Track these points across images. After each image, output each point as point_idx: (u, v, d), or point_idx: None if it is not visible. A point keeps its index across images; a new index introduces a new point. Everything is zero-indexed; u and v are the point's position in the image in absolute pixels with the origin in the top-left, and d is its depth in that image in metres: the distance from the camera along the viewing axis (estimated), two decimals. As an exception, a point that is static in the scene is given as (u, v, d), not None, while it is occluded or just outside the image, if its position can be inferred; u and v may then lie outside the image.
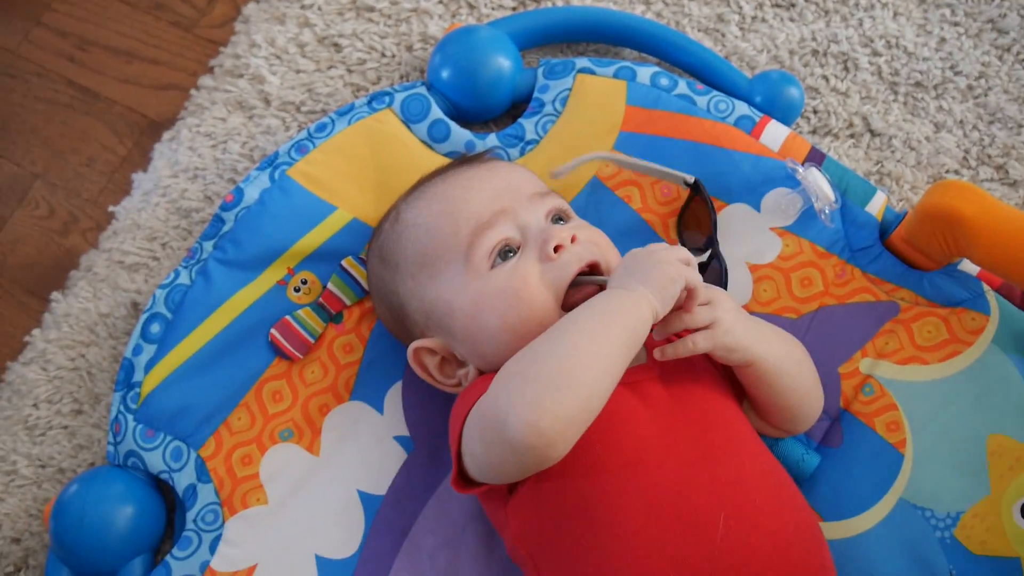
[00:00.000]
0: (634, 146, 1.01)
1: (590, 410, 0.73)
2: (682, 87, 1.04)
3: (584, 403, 0.72)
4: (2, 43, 1.28)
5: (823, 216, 0.97)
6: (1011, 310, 0.94)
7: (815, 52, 1.14)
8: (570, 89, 1.05)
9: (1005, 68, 1.13)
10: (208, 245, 1.02)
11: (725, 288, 0.94)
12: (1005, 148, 1.10)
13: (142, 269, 1.09)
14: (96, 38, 1.26)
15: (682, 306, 0.80)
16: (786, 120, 1.06)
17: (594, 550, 0.77)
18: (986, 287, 0.95)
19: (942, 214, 0.88)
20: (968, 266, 0.97)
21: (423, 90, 1.06)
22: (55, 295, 1.11)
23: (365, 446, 0.98)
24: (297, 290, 1.01)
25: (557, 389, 0.71)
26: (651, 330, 0.78)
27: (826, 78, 1.13)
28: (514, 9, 1.16)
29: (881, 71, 1.13)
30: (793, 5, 1.16)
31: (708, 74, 1.09)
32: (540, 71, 1.07)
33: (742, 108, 1.03)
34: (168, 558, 0.95)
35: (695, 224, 0.99)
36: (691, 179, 0.97)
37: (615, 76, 1.05)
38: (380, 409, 0.99)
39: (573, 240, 0.86)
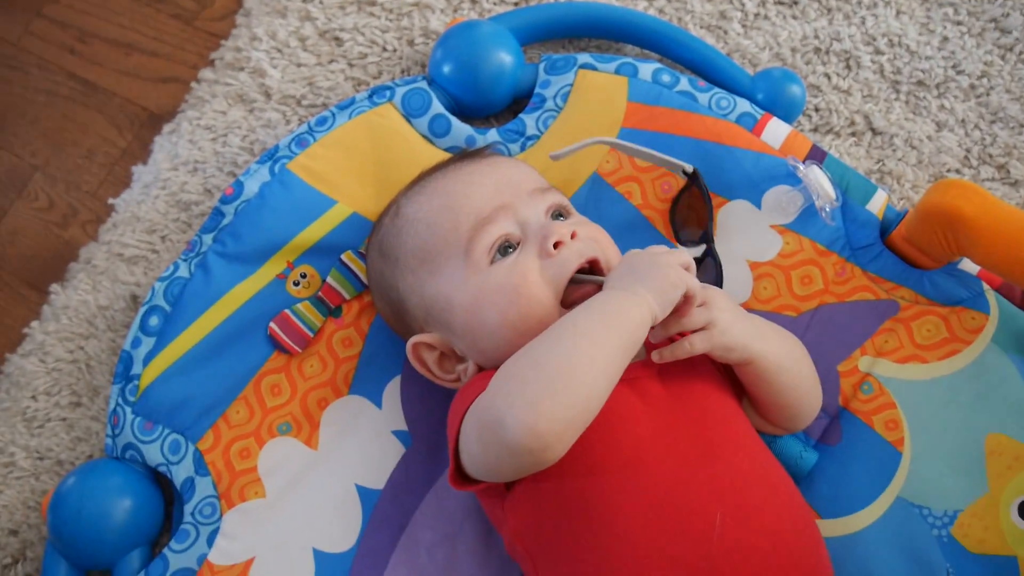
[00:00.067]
0: (635, 142, 1.01)
1: (588, 413, 0.73)
2: (684, 84, 1.04)
3: (582, 406, 0.72)
4: (3, 34, 1.28)
5: (824, 214, 0.97)
6: (1011, 309, 0.95)
7: (817, 50, 1.14)
8: (571, 85, 1.05)
9: (1007, 68, 1.13)
10: (208, 238, 1.02)
11: (720, 283, 0.94)
12: (1007, 148, 1.09)
13: (141, 262, 1.09)
14: (97, 30, 1.26)
15: (678, 310, 0.80)
16: (788, 118, 1.06)
17: (592, 548, 0.77)
18: (986, 286, 0.95)
19: (943, 213, 0.88)
20: (968, 265, 0.97)
21: (424, 85, 1.06)
22: (54, 287, 1.11)
23: (364, 440, 0.98)
24: (296, 284, 1.01)
25: (555, 392, 0.71)
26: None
27: (828, 76, 1.13)
28: (516, 4, 1.16)
29: (883, 69, 1.13)
30: (796, 3, 1.16)
31: (710, 71, 1.09)
32: (541, 66, 1.07)
33: (744, 105, 1.03)
34: (166, 551, 0.95)
35: (691, 216, 0.99)
36: (689, 168, 0.97)
37: (617, 72, 1.05)
38: (379, 403, 0.99)
39: (573, 236, 0.85)
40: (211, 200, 1.10)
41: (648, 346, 0.85)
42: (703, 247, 0.95)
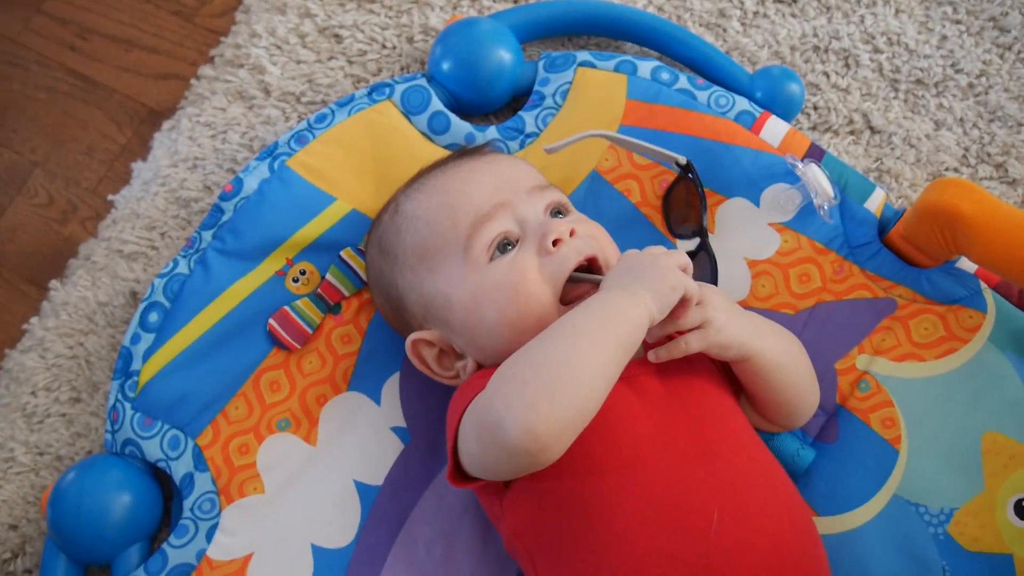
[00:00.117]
0: (634, 140, 1.02)
1: (586, 414, 0.73)
2: (683, 82, 1.04)
3: (580, 407, 0.72)
4: (2, 31, 1.28)
5: (822, 212, 0.97)
6: (1008, 308, 0.95)
7: (816, 48, 1.14)
8: (571, 83, 1.05)
9: (1006, 66, 1.13)
10: (207, 235, 1.02)
11: (715, 276, 0.94)
12: (1005, 146, 1.10)
13: (141, 258, 1.09)
14: (97, 26, 1.26)
15: (675, 311, 0.80)
16: (786, 116, 1.06)
17: (591, 546, 0.77)
18: (983, 285, 0.96)
19: (941, 211, 0.88)
20: (966, 264, 0.97)
21: (423, 82, 1.07)
22: (54, 283, 1.11)
23: (362, 437, 0.98)
24: (296, 280, 1.01)
25: (553, 393, 0.71)
26: None
27: (827, 74, 1.13)
28: (515, 1, 1.16)
29: (882, 68, 1.13)
30: (795, 1, 1.16)
31: (709, 69, 1.09)
32: (541, 64, 1.07)
33: (742, 103, 1.03)
34: (165, 546, 0.95)
35: (684, 209, 0.99)
36: (683, 160, 0.97)
37: (616, 70, 1.05)
38: (377, 400, 0.99)
39: (572, 234, 0.86)
40: (211, 197, 1.10)
41: (645, 345, 0.85)
42: (697, 240, 0.95)
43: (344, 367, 1.00)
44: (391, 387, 0.99)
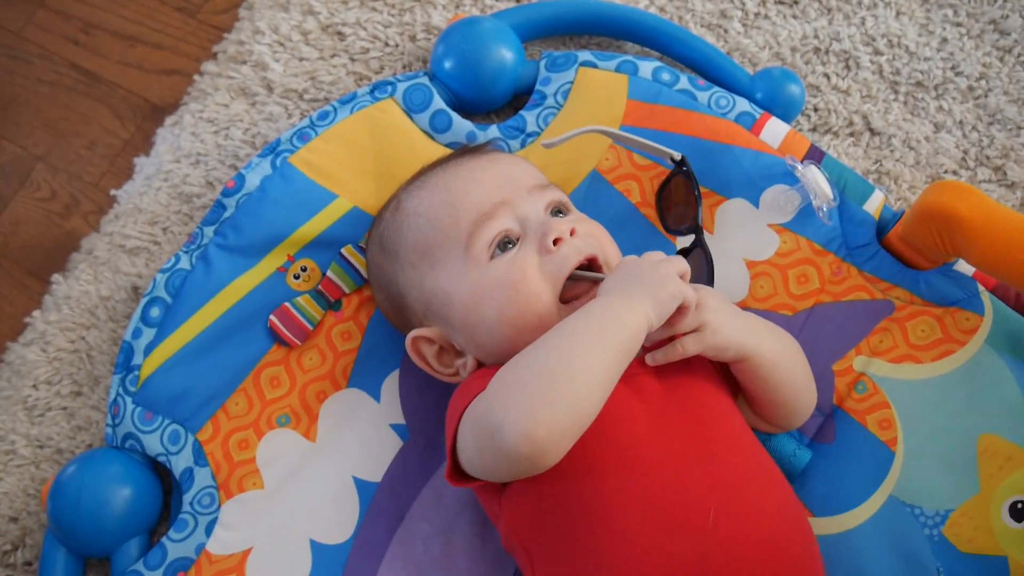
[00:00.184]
0: (634, 141, 1.02)
1: (584, 419, 0.73)
2: (683, 82, 1.05)
3: (578, 413, 0.73)
4: (6, 25, 1.28)
5: (821, 214, 0.98)
6: (1005, 311, 0.95)
7: (817, 50, 1.14)
8: (572, 82, 1.06)
9: (1006, 69, 1.13)
10: (209, 231, 1.02)
11: (712, 273, 0.93)
12: (1004, 149, 1.10)
13: (143, 253, 1.10)
14: (100, 21, 1.26)
15: (671, 317, 0.80)
16: (786, 117, 1.07)
17: (589, 545, 0.77)
18: (981, 287, 0.96)
19: (939, 214, 0.89)
20: (963, 266, 0.97)
21: (425, 80, 1.07)
22: (56, 277, 1.11)
23: (361, 433, 0.98)
24: (297, 277, 1.02)
25: (552, 400, 0.72)
26: None
27: (827, 76, 1.13)
28: (517, 1, 1.17)
29: (882, 70, 1.13)
30: (796, 2, 1.16)
31: (710, 70, 1.09)
32: (542, 63, 1.07)
33: (743, 104, 1.03)
34: (164, 540, 0.95)
35: (678, 206, 0.98)
36: (678, 156, 0.97)
37: (617, 70, 1.05)
38: (377, 397, 0.99)
39: (572, 233, 0.86)
40: (213, 193, 1.10)
41: (642, 347, 0.85)
42: (692, 237, 0.95)
43: (344, 364, 1.00)
44: (391, 384, 1.00)
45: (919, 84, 1.13)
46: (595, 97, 1.05)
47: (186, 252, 1.02)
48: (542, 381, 0.73)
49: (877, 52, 1.14)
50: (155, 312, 1.00)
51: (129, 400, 0.98)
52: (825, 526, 0.92)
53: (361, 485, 0.97)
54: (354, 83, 1.14)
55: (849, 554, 0.91)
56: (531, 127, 1.05)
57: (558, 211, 0.90)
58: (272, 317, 1.00)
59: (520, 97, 1.10)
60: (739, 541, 0.76)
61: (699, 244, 0.93)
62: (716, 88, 1.05)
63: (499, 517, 0.84)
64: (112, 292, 1.08)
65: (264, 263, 1.01)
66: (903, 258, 0.98)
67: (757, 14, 1.16)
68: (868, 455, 0.94)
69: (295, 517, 0.96)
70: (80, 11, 1.27)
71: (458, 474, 0.80)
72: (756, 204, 1.01)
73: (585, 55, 1.07)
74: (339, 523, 0.96)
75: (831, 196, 0.97)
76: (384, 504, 0.96)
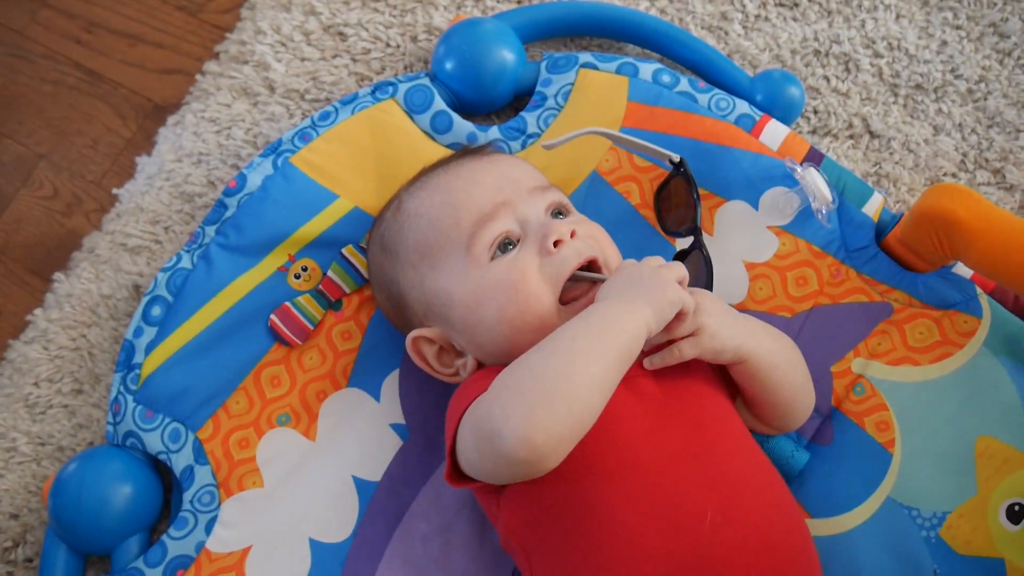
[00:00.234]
0: (634, 142, 1.02)
1: (584, 424, 0.74)
2: (684, 84, 1.05)
3: (578, 418, 0.73)
4: (9, 23, 1.28)
5: (820, 216, 0.98)
6: (1003, 313, 0.95)
7: (817, 52, 1.14)
8: (572, 84, 1.06)
9: (1005, 72, 1.13)
10: (210, 230, 1.02)
11: (711, 275, 0.93)
12: (1003, 152, 1.10)
13: (144, 252, 1.10)
14: (103, 20, 1.27)
15: (670, 323, 0.81)
16: (786, 119, 1.07)
17: (588, 545, 0.77)
18: (979, 290, 0.96)
19: (937, 216, 0.89)
20: (962, 269, 0.97)
21: (427, 81, 1.07)
22: (57, 275, 1.12)
23: (361, 433, 0.99)
24: (297, 277, 1.02)
25: (551, 405, 0.72)
26: None
27: (827, 78, 1.13)
28: (519, 2, 1.17)
29: (882, 73, 1.13)
30: (796, 5, 1.17)
31: (710, 72, 1.09)
32: (543, 65, 1.08)
33: (743, 106, 1.04)
34: (164, 537, 0.96)
35: (677, 207, 0.98)
36: (676, 158, 0.97)
37: (617, 72, 1.06)
38: (377, 397, 1.00)
39: (573, 235, 0.86)
40: (214, 192, 1.11)
41: (639, 349, 0.85)
42: (690, 239, 0.96)
43: (344, 363, 1.00)
44: (391, 384, 1.00)
45: (919, 87, 1.13)
46: (595, 99, 1.05)
47: (187, 251, 1.02)
48: (541, 386, 0.73)
49: (877, 55, 1.14)
50: (156, 311, 1.00)
51: (130, 398, 0.99)
52: (823, 527, 0.92)
53: (361, 484, 0.97)
54: (355, 84, 1.14)
55: (846, 555, 0.91)
56: (532, 128, 1.05)
57: (558, 212, 0.91)
58: (273, 316, 1.00)
59: (521, 98, 1.10)
60: (737, 542, 0.76)
61: (698, 246, 0.93)
62: (716, 90, 1.05)
63: (497, 517, 0.84)
64: (113, 291, 1.09)
65: (265, 263, 1.01)
66: (902, 260, 0.98)
67: (757, 16, 1.16)
68: (866, 457, 0.94)
69: (295, 516, 0.96)
70: (83, 10, 1.27)
71: (457, 475, 0.80)
72: (755, 206, 1.01)
73: (586, 57, 1.07)
74: (338, 522, 0.96)
75: (830, 198, 0.97)
76: (383, 503, 0.97)
